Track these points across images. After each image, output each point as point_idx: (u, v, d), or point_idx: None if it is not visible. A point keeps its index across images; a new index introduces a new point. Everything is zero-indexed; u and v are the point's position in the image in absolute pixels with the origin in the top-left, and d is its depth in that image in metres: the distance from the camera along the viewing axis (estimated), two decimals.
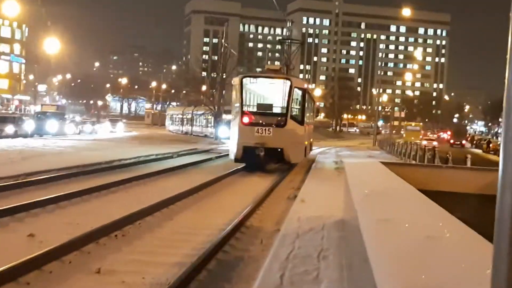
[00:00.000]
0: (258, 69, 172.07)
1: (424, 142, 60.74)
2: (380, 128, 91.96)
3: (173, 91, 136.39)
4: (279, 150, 24.16)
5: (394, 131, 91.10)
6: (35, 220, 11.18)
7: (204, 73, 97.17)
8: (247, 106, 25.41)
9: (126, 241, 9.88)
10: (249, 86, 26.01)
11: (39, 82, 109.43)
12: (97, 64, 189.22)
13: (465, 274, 3.07)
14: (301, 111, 26.02)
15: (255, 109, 25.82)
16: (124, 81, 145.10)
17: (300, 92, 25.93)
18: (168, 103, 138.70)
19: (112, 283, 7.40)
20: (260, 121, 24.50)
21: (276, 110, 25.38)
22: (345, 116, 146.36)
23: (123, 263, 8.36)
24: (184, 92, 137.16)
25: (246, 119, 24.55)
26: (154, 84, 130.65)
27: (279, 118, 24.68)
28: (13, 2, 60.65)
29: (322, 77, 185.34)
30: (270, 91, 26.45)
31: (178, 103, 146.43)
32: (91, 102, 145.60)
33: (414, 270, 3.19)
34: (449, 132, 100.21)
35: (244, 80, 25.65)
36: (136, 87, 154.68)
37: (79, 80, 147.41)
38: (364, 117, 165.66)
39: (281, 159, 24.88)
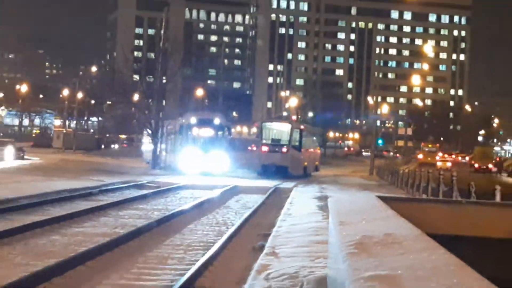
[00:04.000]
0: (212, 70, 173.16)
1: (439, 164, 63.94)
2: (389, 150, 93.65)
3: (93, 102, 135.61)
4: (285, 166, 52.53)
5: (400, 155, 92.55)
6: None
7: (136, 77, 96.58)
8: (265, 140, 55.67)
9: None
10: (267, 127, 58.52)
11: None
12: None
13: None
14: (299, 142, 55.27)
15: (269, 142, 55.56)
16: (24, 88, 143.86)
17: (298, 131, 56.19)
18: (86, 118, 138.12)
19: None
20: (273, 149, 53.63)
21: (283, 142, 54.56)
22: (331, 134, 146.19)
23: None
24: (108, 103, 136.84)
25: (265, 148, 54.14)
26: (66, 92, 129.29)
27: (284, 147, 53.49)
28: None
29: (300, 82, 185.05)
30: (278, 131, 56.90)
31: (100, 118, 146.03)
32: None
33: None
34: (467, 158, 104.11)
35: (263, 124, 61.00)
36: (41, 96, 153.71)
37: None
38: (356, 135, 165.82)
39: (286, 172, 51.89)
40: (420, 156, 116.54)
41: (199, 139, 49.47)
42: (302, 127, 58.60)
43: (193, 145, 48.93)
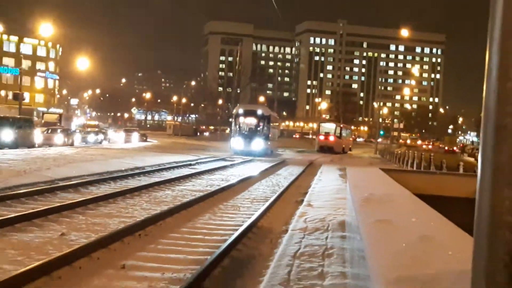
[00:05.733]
0: (269, 84, 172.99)
1: (424, 146, 68.01)
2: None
3: (192, 104, 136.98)
4: (332, 147, 57.75)
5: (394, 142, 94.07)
6: (67, 220, 11.20)
7: (220, 88, 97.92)
8: (321, 132, 61.72)
9: (147, 241, 9.87)
10: (322, 125, 64.19)
11: (72, 96, 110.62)
12: (123, 80, 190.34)
13: (454, 268, 3.07)
14: (340, 134, 61.43)
15: (324, 132, 61.13)
16: (148, 95, 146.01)
17: (339, 127, 63.03)
18: (188, 115, 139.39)
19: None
20: (326, 137, 59.94)
21: (331, 132, 60.45)
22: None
23: (147, 260, 8.38)
24: (202, 105, 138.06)
25: (321, 137, 60.64)
26: (175, 98, 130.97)
27: (332, 136, 59.69)
28: (48, 24, 61.25)
29: (328, 92, 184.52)
30: (328, 127, 62.45)
31: (196, 115, 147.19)
32: (118, 114, 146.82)
33: (407, 265, 3.20)
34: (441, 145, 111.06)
35: (320, 124, 65.59)
36: (159, 101, 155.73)
37: (107, 95, 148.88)
38: (366, 128, 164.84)
39: (333, 150, 56.03)
40: (408, 141, 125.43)
41: (245, 126, 42.65)
42: (341, 125, 67.08)
43: (240, 131, 42.28)
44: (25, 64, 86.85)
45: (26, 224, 10.28)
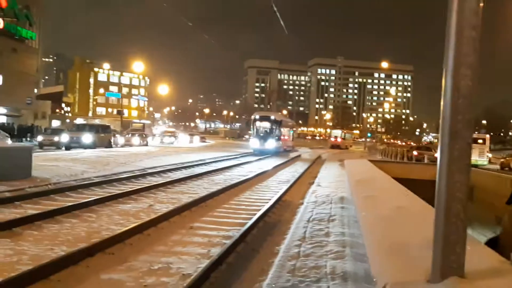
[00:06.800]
0: (290, 102, 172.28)
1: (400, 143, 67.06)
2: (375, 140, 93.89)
3: (237, 116, 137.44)
4: (339, 145, 59.33)
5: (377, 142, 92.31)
6: (153, 196, 11.25)
7: (256, 105, 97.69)
8: (332, 135, 64.37)
9: (207, 210, 9.86)
10: (332, 132, 65.77)
11: (156, 111, 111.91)
12: (190, 100, 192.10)
13: (420, 230, 3.02)
14: (344, 136, 63.83)
15: (334, 136, 64.42)
16: (207, 110, 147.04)
17: (343, 132, 65.58)
18: (234, 124, 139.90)
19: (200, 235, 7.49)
20: (335, 138, 62.53)
21: (338, 135, 63.37)
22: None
23: (207, 223, 8.44)
24: (243, 117, 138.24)
25: (333, 139, 62.28)
26: (225, 112, 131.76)
27: (339, 138, 61.99)
28: (140, 63, 62.29)
29: (331, 106, 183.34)
30: (336, 132, 65.57)
31: (240, 124, 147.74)
32: (187, 124, 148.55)
33: (387, 228, 3.15)
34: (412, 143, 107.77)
35: (332, 131, 67.42)
36: (214, 114, 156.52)
37: (179, 110, 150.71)
38: (358, 131, 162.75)
39: (340, 147, 58.17)
40: (385, 140, 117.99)
41: (261, 129, 36.40)
42: (345, 131, 70.29)
43: (257, 134, 36.15)
44: (124, 90, 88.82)
45: (126, 198, 10.45)
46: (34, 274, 4.68)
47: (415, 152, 34.24)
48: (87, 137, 29.35)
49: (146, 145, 40.21)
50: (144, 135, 43.12)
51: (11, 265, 5.23)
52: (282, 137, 37.07)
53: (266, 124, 36.40)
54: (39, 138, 31.66)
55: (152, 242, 6.78)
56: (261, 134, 35.86)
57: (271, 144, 35.01)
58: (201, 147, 44.32)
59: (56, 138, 30.55)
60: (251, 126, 37.05)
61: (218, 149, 39.99)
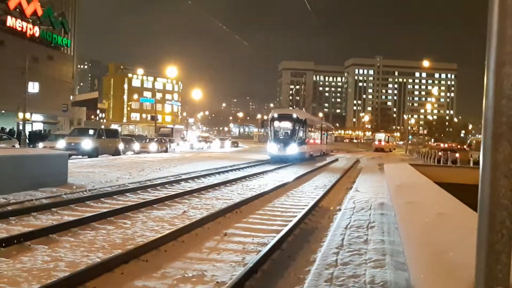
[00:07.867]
0: (326, 104, 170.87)
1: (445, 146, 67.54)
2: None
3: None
4: (383, 148, 60.05)
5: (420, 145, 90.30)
6: (187, 202, 11.42)
7: (290, 108, 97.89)
8: (376, 139, 65.80)
9: (241, 216, 9.90)
10: (376, 135, 65.68)
11: (189, 116, 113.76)
12: (224, 104, 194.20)
13: (463, 237, 2.93)
14: (388, 140, 64.92)
15: (377, 139, 64.63)
16: (240, 114, 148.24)
17: (388, 136, 66.35)
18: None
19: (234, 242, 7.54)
20: (379, 142, 62.90)
21: (382, 138, 64.50)
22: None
23: (241, 229, 8.48)
24: None
25: (376, 142, 62.62)
26: (259, 116, 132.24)
27: (383, 141, 63.28)
28: (173, 68, 63.60)
29: (369, 108, 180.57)
30: (380, 136, 63.71)
31: None
32: (221, 128, 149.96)
33: (428, 235, 3.08)
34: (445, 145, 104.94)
35: (376, 134, 69.97)
36: (248, 118, 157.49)
37: (213, 115, 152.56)
38: (398, 134, 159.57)
39: (383, 151, 57.98)
40: (430, 143, 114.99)
41: (280, 130, 28.90)
42: (388, 135, 71.31)
43: (275, 136, 28.56)
44: (158, 95, 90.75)
45: (160, 205, 10.65)
46: (70, 281, 4.85)
47: (440, 153, 33.41)
48: (87, 143, 25.93)
49: (166, 151, 36.85)
50: (163, 140, 39.86)
51: (48, 271, 5.43)
52: (307, 140, 30.13)
53: (287, 124, 28.72)
54: (40, 145, 29.05)
55: (186, 249, 6.88)
56: (280, 137, 28.50)
57: (292, 149, 27.76)
58: (235, 151, 44.57)
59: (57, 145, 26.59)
60: (268, 127, 29.26)
61: (253, 152, 39.98)
